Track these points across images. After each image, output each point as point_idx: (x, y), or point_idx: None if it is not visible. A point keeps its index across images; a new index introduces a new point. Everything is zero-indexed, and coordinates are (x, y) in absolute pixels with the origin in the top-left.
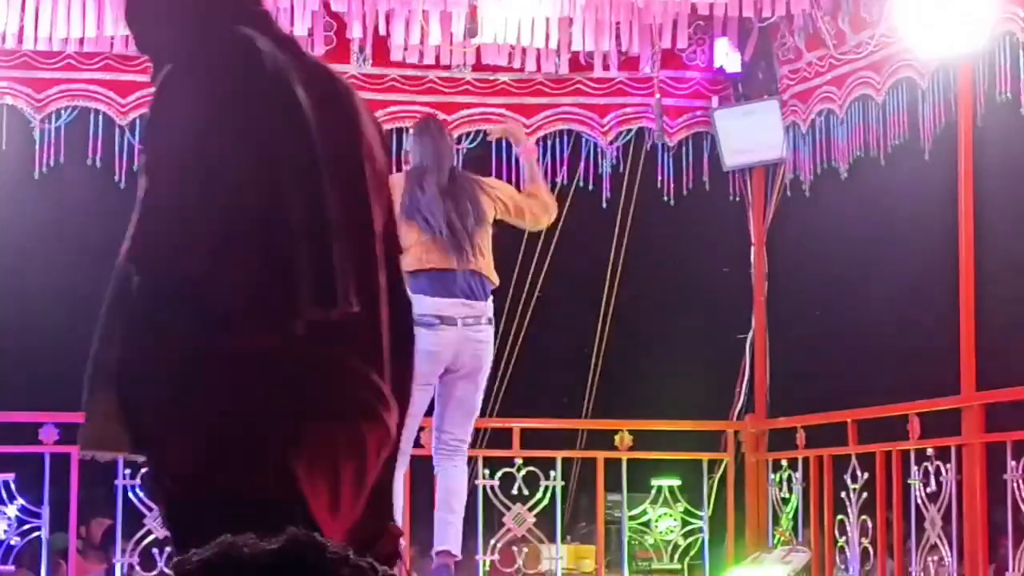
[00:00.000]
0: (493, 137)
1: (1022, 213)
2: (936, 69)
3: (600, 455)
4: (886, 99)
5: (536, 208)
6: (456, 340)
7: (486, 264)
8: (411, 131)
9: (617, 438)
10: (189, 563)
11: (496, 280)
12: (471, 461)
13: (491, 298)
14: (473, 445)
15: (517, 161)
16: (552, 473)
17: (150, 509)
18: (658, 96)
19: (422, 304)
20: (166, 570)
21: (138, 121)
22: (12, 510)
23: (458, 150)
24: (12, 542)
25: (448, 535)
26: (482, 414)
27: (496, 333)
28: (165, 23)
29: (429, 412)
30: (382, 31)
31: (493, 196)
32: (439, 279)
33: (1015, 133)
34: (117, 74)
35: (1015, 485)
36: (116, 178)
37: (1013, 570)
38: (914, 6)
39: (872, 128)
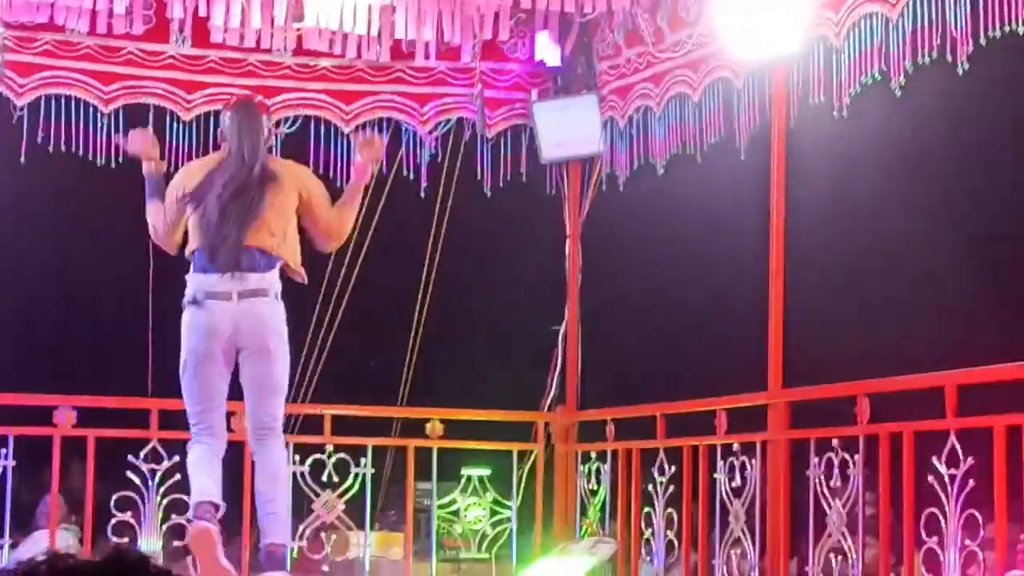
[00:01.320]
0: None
1: (833, 214)
2: (752, 70)
3: (411, 443)
4: (703, 98)
5: (332, 225)
6: (231, 315)
7: (275, 242)
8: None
9: (428, 427)
10: (12, 573)
11: (289, 259)
12: None
13: (273, 271)
14: (284, 431)
15: (335, 148)
16: (363, 460)
17: None
18: (479, 87)
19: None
20: None
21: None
22: None
23: (276, 135)
24: None
25: (273, 525)
26: (293, 399)
27: (312, 319)
28: None
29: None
30: (202, 12)
31: (299, 185)
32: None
33: (827, 135)
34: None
35: (817, 481)
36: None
37: (814, 563)
38: (731, 7)
39: (689, 126)
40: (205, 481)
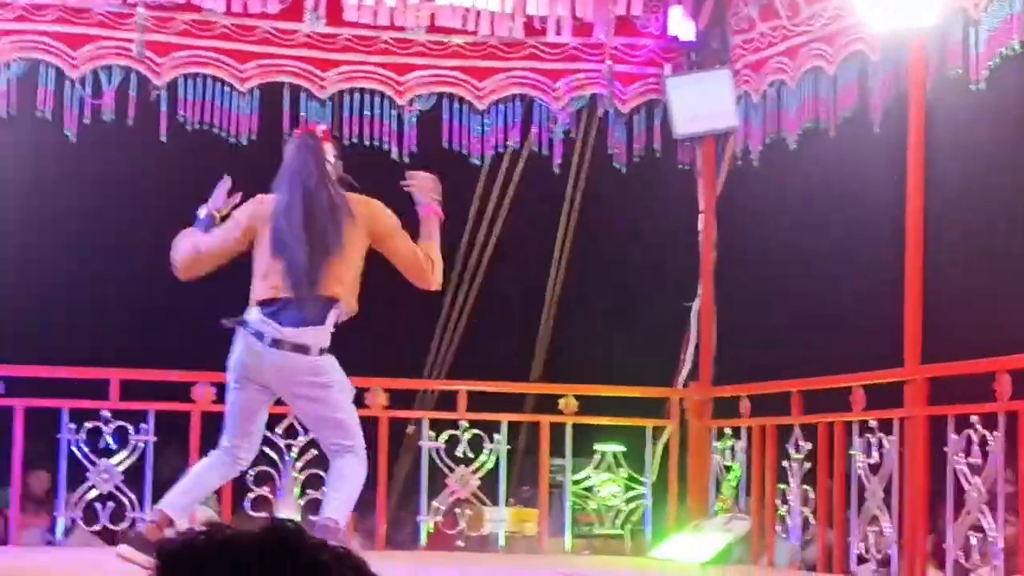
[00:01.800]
0: (411, 189)
1: (970, 187)
2: (888, 43)
3: (545, 419)
4: (837, 71)
5: (412, 270)
6: (264, 359)
7: (339, 291)
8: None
9: (562, 403)
10: (173, 543)
11: (349, 307)
12: (417, 422)
13: (322, 327)
14: (419, 407)
15: (469, 124)
16: (497, 436)
17: (93, 463)
18: (609, 63)
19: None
20: (109, 525)
21: (90, 75)
22: None
23: (409, 112)
24: None
25: (329, 503)
26: (428, 375)
27: (447, 297)
28: None
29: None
30: None
31: (362, 223)
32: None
33: (964, 108)
34: (69, 27)
35: (956, 458)
36: (66, 132)
37: (953, 541)
38: None
39: (823, 100)
40: (181, 495)
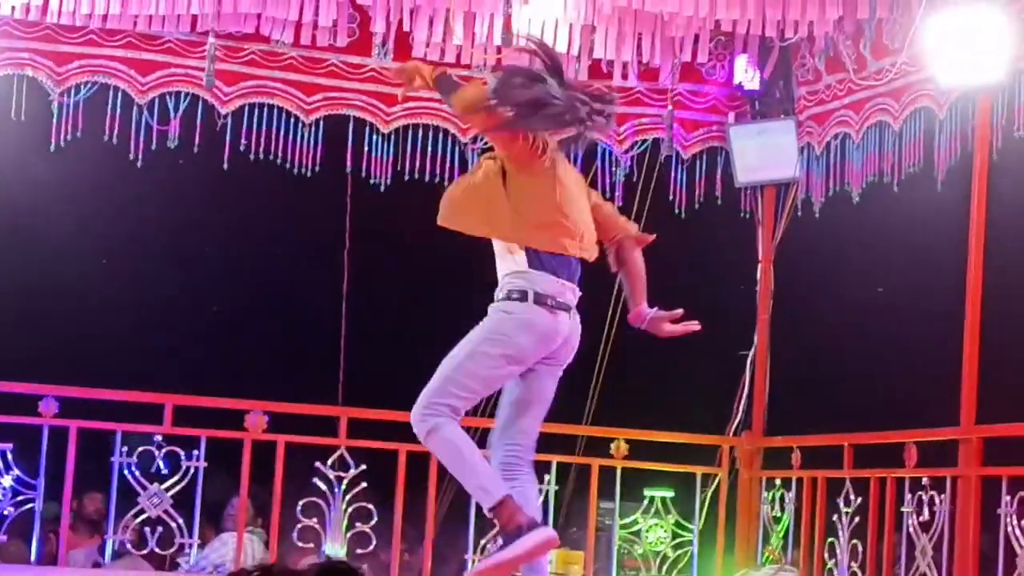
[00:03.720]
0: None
1: None
2: (955, 100)
3: (595, 462)
4: (903, 127)
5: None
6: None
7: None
8: None
9: (613, 446)
10: None
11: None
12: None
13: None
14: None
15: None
16: (547, 476)
17: (144, 488)
18: (670, 108)
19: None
20: (157, 549)
21: (156, 100)
22: (8, 480)
23: (473, 150)
24: (5, 512)
25: None
26: (481, 415)
27: None
28: None
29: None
30: (406, 27)
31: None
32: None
33: None
34: (138, 52)
35: (1008, 520)
36: (131, 156)
37: None
38: (938, 37)
39: (887, 154)
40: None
